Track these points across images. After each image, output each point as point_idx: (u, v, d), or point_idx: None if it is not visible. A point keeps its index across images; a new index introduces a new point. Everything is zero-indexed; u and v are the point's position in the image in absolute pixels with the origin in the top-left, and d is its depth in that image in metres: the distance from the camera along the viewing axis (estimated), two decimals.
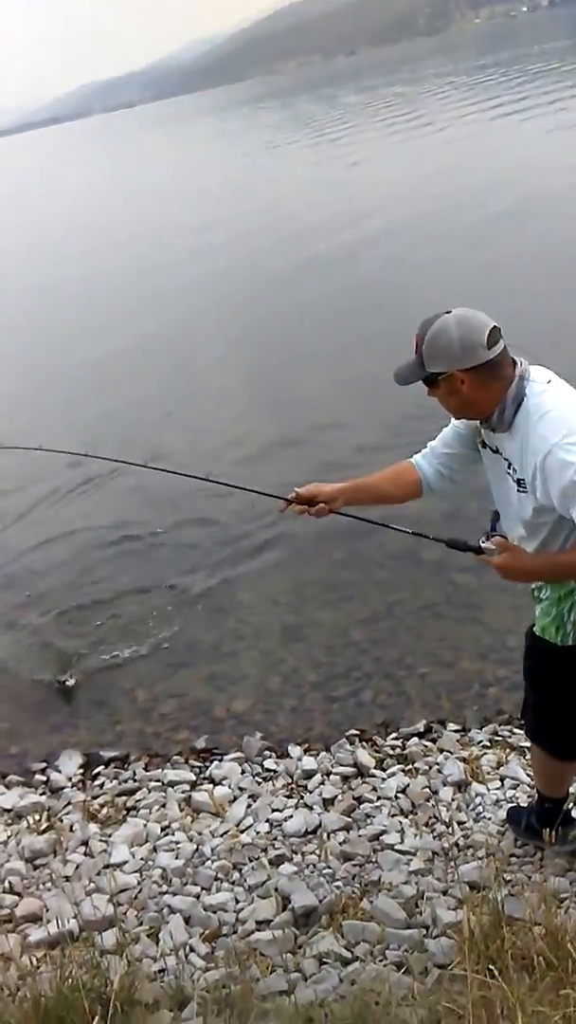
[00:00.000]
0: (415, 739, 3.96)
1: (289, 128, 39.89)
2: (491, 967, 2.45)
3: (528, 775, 3.56)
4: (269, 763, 3.96)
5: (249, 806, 3.67)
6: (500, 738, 3.88)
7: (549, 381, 2.46)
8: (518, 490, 2.50)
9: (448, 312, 2.43)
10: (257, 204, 19.87)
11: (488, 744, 3.84)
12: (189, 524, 6.51)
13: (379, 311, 10.49)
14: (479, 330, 2.39)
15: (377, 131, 28.75)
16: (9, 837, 3.69)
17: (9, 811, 3.87)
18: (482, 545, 2.54)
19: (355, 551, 5.65)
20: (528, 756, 3.70)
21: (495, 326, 2.41)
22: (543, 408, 2.38)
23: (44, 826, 3.72)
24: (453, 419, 2.71)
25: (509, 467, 2.52)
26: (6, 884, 3.41)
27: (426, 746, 3.90)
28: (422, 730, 4.02)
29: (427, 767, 3.73)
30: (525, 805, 3.32)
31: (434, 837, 3.33)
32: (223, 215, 19.47)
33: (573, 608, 2.61)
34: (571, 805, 3.27)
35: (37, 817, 3.79)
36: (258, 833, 3.49)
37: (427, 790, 3.58)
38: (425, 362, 2.44)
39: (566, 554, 2.50)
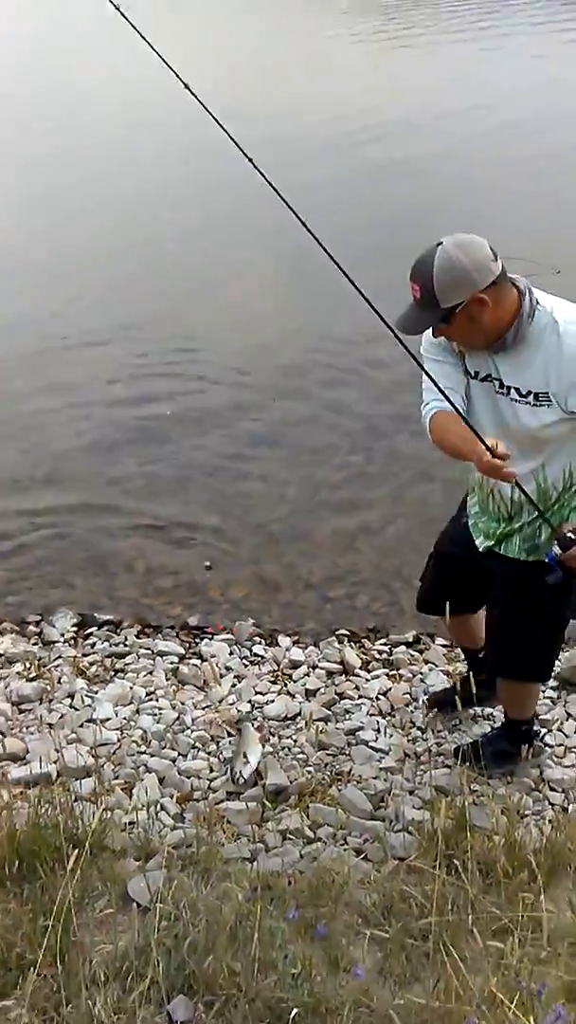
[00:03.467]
0: (403, 647, 4.03)
1: None
2: (449, 865, 2.58)
3: None
4: (258, 649, 4.04)
5: (234, 685, 3.77)
6: None
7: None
8: (533, 404, 2.49)
9: (439, 244, 2.39)
10: None
11: None
12: (209, 407, 6.48)
13: None
14: (481, 245, 2.40)
15: None
16: None
17: (0, 655, 3.97)
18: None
19: (371, 456, 5.63)
20: None
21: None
22: (569, 317, 2.42)
23: (33, 674, 3.82)
24: (438, 359, 2.62)
25: (502, 387, 2.54)
26: None
27: (412, 655, 3.98)
28: (411, 640, 4.09)
29: (411, 675, 3.82)
30: (481, 739, 3.31)
31: (409, 740, 3.43)
32: None
33: (542, 526, 2.69)
34: (541, 730, 3.39)
35: (27, 664, 3.89)
36: (240, 711, 3.59)
37: (408, 696, 3.67)
38: (440, 299, 2.38)
39: None
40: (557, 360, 2.42)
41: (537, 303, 2.45)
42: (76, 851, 2.59)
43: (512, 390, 2.53)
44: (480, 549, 2.90)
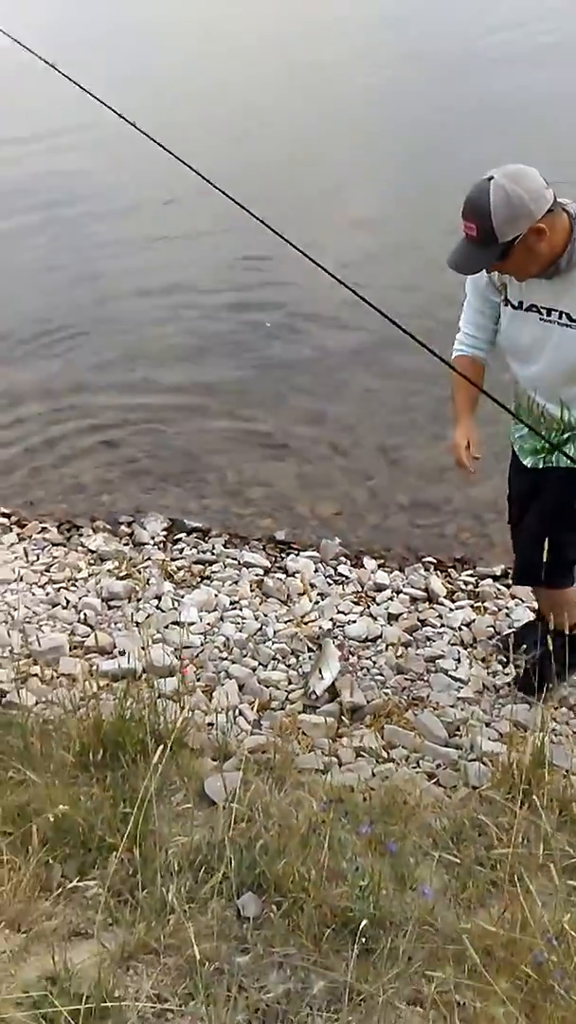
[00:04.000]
0: (490, 580, 3.98)
1: None
2: (523, 800, 2.57)
3: None
4: (343, 568, 4.05)
5: (317, 603, 3.79)
6: None
7: None
8: None
9: (489, 179, 2.30)
10: None
11: None
12: (310, 318, 6.38)
13: None
14: (532, 174, 2.34)
15: None
16: (90, 576, 3.90)
17: (93, 552, 4.07)
18: None
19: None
20: None
21: None
22: None
23: (123, 573, 3.91)
24: (482, 310, 2.75)
25: (549, 314, 2.53)
26: (81, 615, 3.64)
27: (499, 589, 3.92)
28: (498, 574, 4.03)
29: (496, 608, 3.78)
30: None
31: (489, 673, 3.41)
32: None
33: None
34: None
35: (118, 564, 3.98)
36: (321, 628, 3.61)
37: (491, 629, 3.63)
38: (499, 235, 2.31)
39: None
40: None
41: None
42: (158, 746, 2.70)
43: (563, 315, 2.50)
44: (529, 467, 2.91)
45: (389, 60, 12.51)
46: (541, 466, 2.89)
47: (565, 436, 2.77)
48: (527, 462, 2.92)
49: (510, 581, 3.98)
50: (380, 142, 9.92)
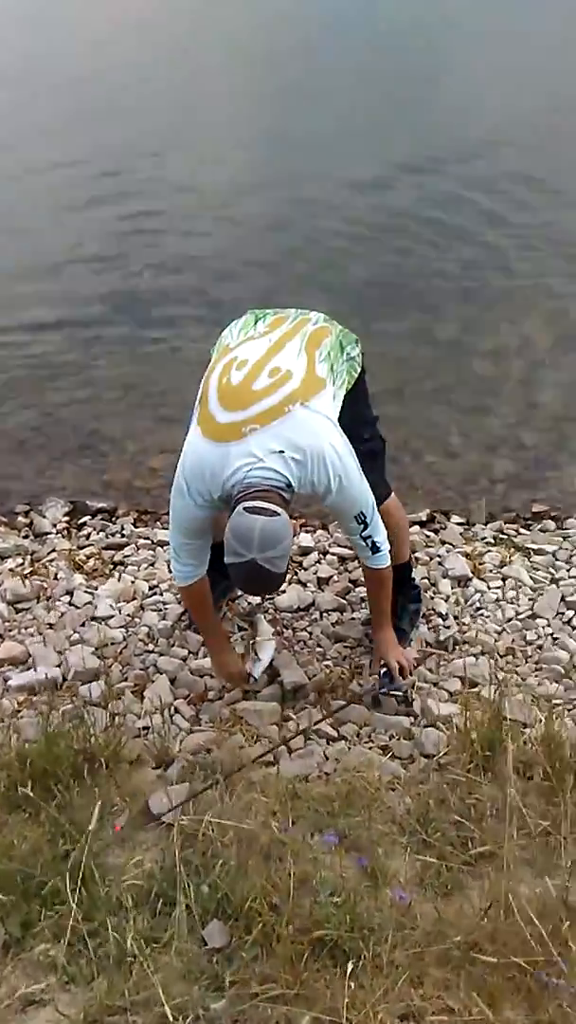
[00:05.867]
0: (416, 527, 3.82)
1: None
2: (484, 766, 2.46)
3: (531, 576, 3.49)
4: None
5: None
6: (505, 536, 3.76)
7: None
8: None
9: (250, 561, 2.26)
10: None
11: (492, 542, 3.73)
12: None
13: None
14: (271, 526, 2.28)
15: None
16: None
17: None
18: (392, 687, 2.92)
19: (368, 321, 5.25)
20: (531, 558, 3.62)
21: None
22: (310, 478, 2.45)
23: (28, 571, 3.60)
24: (193, 541, 2.68)
25: None
26: None
27: (427, 536, 3.78)
28: (424, 519, 3.89)
29: (427, 558, 3.62)
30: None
31: (429, 628, 3.27)
32: None
33: None
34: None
35: (20, 561, 3.66)
36: (249, 603, 3.40)
37: (426, 581, 3.48)
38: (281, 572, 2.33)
39: (375, 594, 2.91)
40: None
41: (284, 473, 2.41)
42: (92, 765, 2.48)
43: None
44: None
45: None
46: None
47: None
48: None
49: (437, 526, 3.86)
50: None
